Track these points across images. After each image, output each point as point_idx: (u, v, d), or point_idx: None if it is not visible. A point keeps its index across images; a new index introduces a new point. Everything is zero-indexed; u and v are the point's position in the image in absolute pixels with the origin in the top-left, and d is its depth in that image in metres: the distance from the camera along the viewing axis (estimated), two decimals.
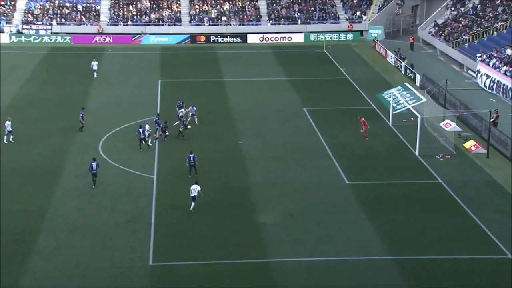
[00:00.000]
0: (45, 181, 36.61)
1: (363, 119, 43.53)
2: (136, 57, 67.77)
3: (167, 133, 42.23)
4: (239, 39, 74.55)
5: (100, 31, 74.65)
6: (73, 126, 45.12)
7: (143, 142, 40.96)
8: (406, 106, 45.17)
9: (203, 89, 55.44)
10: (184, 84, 57.06)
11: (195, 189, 32.69)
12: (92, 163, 35.99)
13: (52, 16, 76.13)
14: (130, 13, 77.31)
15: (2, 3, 76.21)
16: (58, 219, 32.34)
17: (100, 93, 54.08)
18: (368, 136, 43.10)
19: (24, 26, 74.48)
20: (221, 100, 52.23)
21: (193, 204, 32.84)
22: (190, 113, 45.75)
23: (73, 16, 76.51)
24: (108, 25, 76.06)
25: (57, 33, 74.23)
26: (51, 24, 74.96)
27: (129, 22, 76.48)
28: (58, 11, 76.81)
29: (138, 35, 74.14)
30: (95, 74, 58.42)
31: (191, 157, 36.82)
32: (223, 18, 77.17)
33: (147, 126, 41.63)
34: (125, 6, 78.10)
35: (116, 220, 32.29)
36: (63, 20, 76.03)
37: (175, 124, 43.98)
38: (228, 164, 39.33)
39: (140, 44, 73.45)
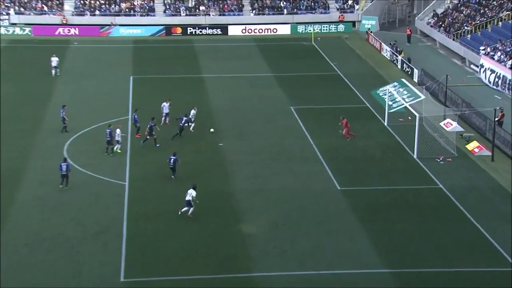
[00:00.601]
0: (3, 189, 36.31)
1: (345, 120, 43.79)
2: (105, 51, 67.64)
3: (148, 137, 41.73)
4: (219, 31, 74.70)
5: (64, 22, 74.42)
6: (35, 127, 44.97)
7: (111, 145, 40.78)
8: (403, 104, 45.51)
9: (180, 86, 55.45)
10: (159, 81, 57.04)
11: (190, 193, 33.00)
12: (62, 164, 36.16)
13: (9, 4, 75.76)
14: (97, 2, 77.15)
15: None
16: (18, 231, 32.13)
17: (65, 90, 53.86)
18: (349, 137, 43.28)
19: None
20: (200, 98, 52.24)
21: (185, 208, 33.07)
22: (164, 111, 45.73)
23: (34, 5, 76.23)
24: (73, 15, 75.87)
25: (16, 24, 73.91)
26: (8, 14, 74.60)
27: (97, 12, 76.33)
28: None
29: (107, 27, 74.01)
30: (56, 72, 57.60)
31: (171, 160, 37.04)
32: (202, 8, 77.27)
33: (117, 131, 41.21)
34: None
35: (84, 231, 32.19)
36: (22, 9, 75.71)
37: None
38: (208, 168, 39.40)
39: (109, 37, 73.32)
